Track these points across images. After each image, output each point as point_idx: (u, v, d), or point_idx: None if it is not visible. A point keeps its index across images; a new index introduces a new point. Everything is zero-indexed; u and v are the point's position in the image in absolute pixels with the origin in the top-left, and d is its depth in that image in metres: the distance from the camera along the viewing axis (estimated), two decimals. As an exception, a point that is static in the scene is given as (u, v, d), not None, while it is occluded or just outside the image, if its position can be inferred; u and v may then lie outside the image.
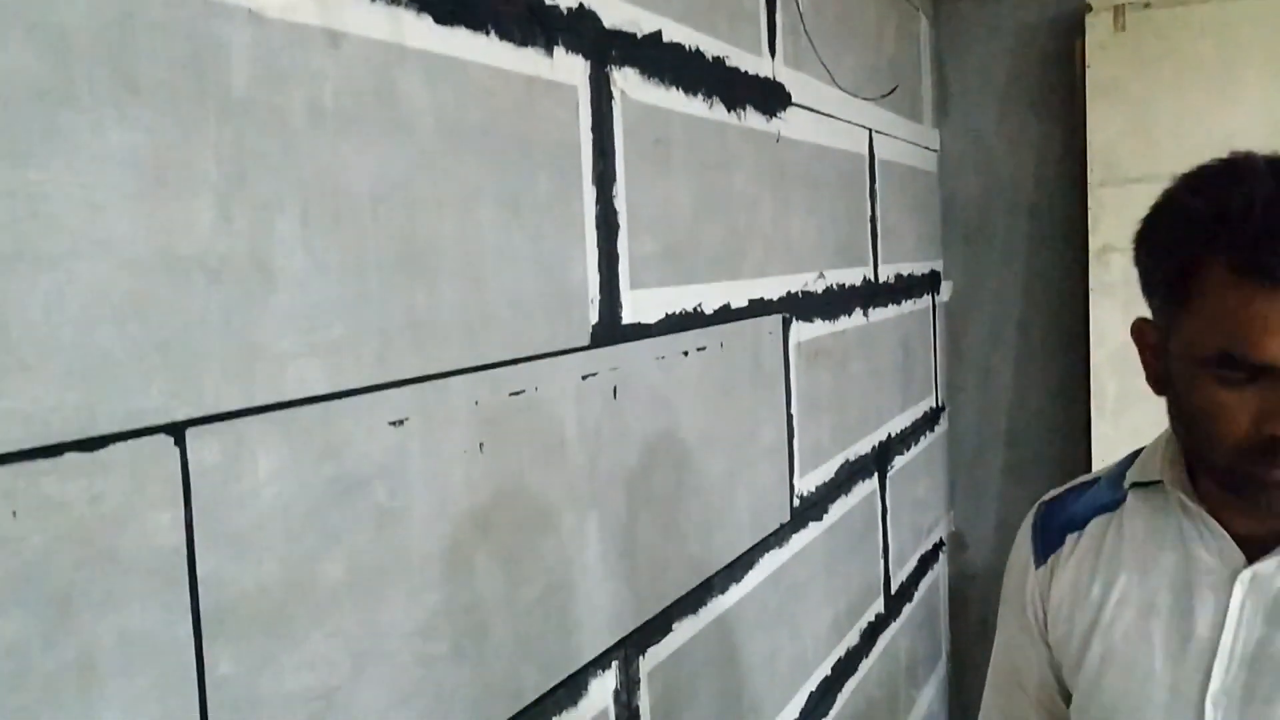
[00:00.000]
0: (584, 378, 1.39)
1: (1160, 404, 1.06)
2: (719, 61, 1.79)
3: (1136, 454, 1.15)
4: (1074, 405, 3.22)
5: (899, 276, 2.89)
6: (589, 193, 1.41)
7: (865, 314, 2.56)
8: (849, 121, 2.45)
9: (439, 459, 1.13)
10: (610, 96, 1.46)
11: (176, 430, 0.84)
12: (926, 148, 3.28)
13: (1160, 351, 1.03)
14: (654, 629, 1.56)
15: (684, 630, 1.65)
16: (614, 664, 1.45)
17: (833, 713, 2.32)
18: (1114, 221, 3.04)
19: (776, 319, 2.03)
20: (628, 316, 1.49)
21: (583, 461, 1.38)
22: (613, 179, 1.46)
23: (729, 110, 1.82)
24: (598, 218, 1.42)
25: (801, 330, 2.15)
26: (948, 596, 3.49)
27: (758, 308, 1.93)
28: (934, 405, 3.31)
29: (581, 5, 1.39)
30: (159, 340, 0.83)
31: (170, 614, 0.83)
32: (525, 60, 1.28)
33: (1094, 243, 3.07)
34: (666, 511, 1.60)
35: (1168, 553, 1.08)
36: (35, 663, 0.74)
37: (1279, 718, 0.99)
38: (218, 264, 0.88)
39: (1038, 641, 1.18)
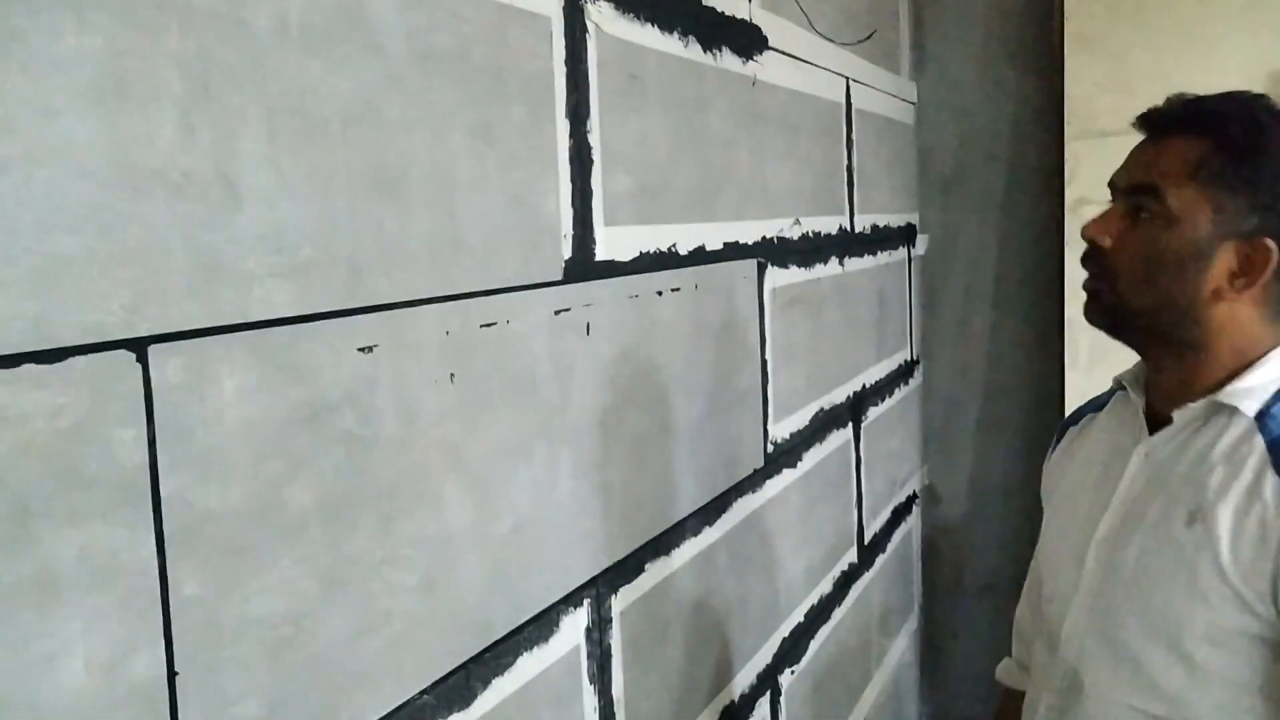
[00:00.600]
0: (556, 313, 1.38)
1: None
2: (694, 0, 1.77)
3: None
4: (1048, 358, 3.23)
5: (875, 227, 2.88)
6: (563, 126, 1.39)
7: (841, 263, 2.55)
8: (826, 69, 2.43)
9: (409, 388, 1.11)
10: (584, 29, 1.44)
11: (139, 346, 0.82)
12: (904, 99, 3.27)
13: None
14: (626, 569, 1.56)
15: (656, 571, 1.65)
16: (586, 602, 1.45)
17: (805, 659, 2.33)
18: (1090, 174, 3.03)
19: (752, 264, 2.01)
20: (601, 253, 1.48)
21: (555, 397, 1.37)
22: (587, 113, 1.44)
23: (705, 50, 1.80)
24: (571, 151, 1.40)
25: (777, 276, 2.14)
26: (920, 549, 3.51)
27: (733, 251, 1.92)
28: (909, 358, 3.31)
29: (555, -66, 1.37)
30: (120, 253, 0.81)
31: (133, 532, 0.82)
32: (498, -13, 1.26)
33: (1070, 195, 3.06)
34: (639, 451, 1.59)
35: (1110, 434, 1.34)
36: (-7, 576, 0.73)
37: (1128, 556, 1.22)
38: (180, 178, 0.86)
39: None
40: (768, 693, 2.13)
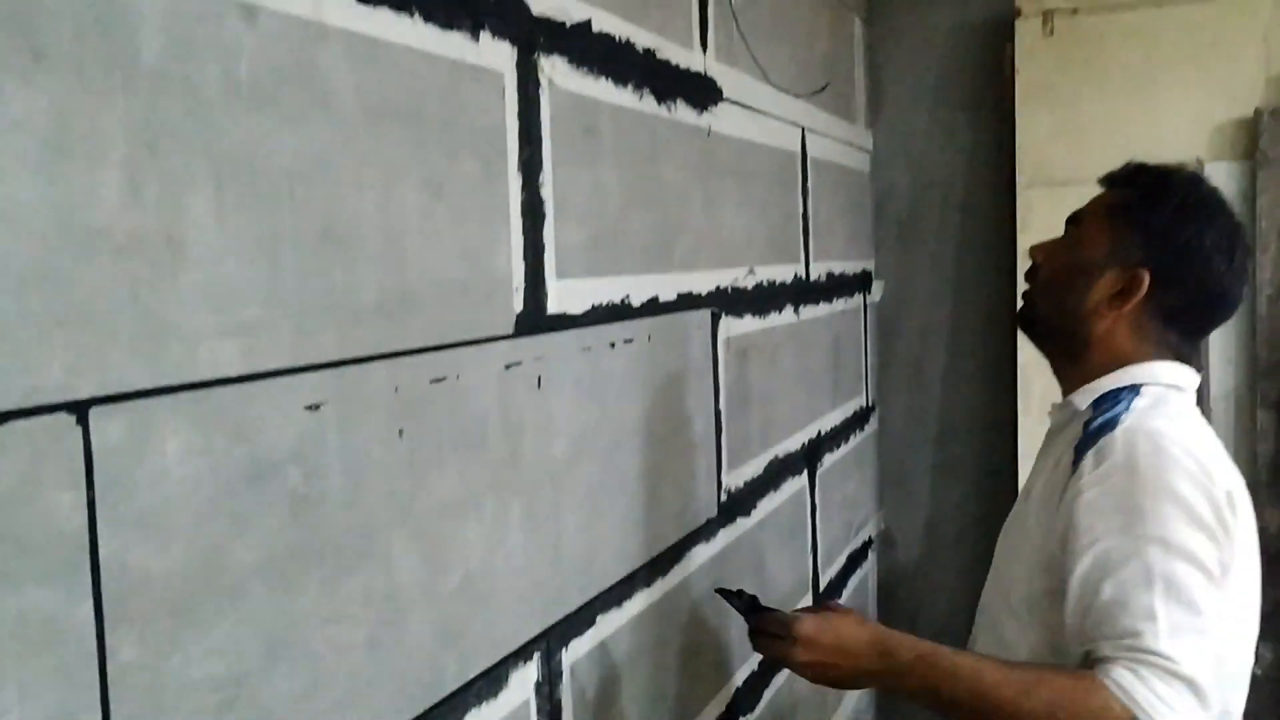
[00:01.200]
0: (507, 367, 1.38)
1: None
2: (650, 53, 1.78)
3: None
4: (1002, 403, 3.26)
5: (830, 275, 2.90)
6: (515, 179, 1.39)
7: (796, 311, 2.57)
8: (781, 119, 2.46)
9: (357, 445, 1.11)
10: (538, 84, 1.45)
11: (79, 408, 0.82)
12: (859, 147, 3.31)
13: None
14: (577, 621, 1.55)
15: (608, 624, 1.64)
16: (536, 655, 1.44)
17: (760, 707, 2.33)
18: (1042, 222, 3.08)
19: (706, 314, 2.02)
20: (553, 306, 1.48)
21: (505, 451, 1.37)
22: (539, 166, 1.45)
23: (659, 102, 1.82)
24: (523, 205, 1.41)
25: (731, 326, 2.15)
26: (877, 594, 3.52)
27: (687, 302, 1.93)
28: (864, 404, 3.33)
29: (509, -10, 1.38)
30: (62, 315, 0.80)
31: (70, 597, 0.81)
32: (451, 44, 1.27)
33: (1023, 243, 3.11)
34: (591, 503, 1.59)
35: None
36: (-76, 645, 0.72)
37: (1012, 535, 1.50)
38: (125, 238, 0.85)
39: None
40: (722, 743, 2.12)
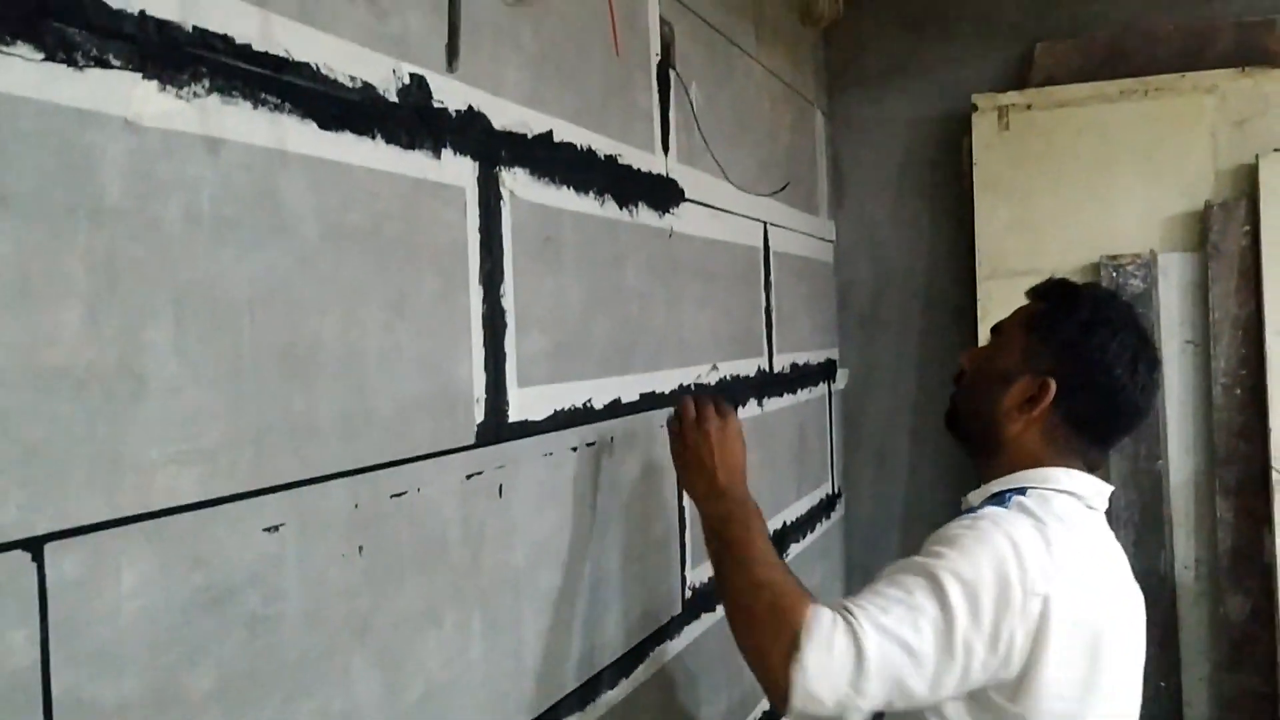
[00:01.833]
0: (468, 477, 1.39)
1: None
2: (611, 160, 1.82)
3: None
4: (964, 489, 3.27)
5: (794, 366, 2.93)
6: (476, 292, 1.42)
7: (760, 404, 2.60)
8: (743, 215, 2.50)
9: (316, 564, 1.12)
10: (499, 196, 1.48)
11: (34, 545, 0.82)
12: (822, 238, 3.36)
13: None
14: (540, 728, 1.55)
15: (571, 728, 1.64)
16: (497, 766, 1.44)
17: (726, 806, 2.31)
18: (1002, 312, 3.07)
19: (669, 412, 2.04)
20: (515, 414, 1.50)
21: (466, 560, 1.38)
22: (501, 278, 1.47)
23: (621, 208, 1.85)
24: (485, 317, 1.43)
25: (694, 422, 2.16)
26: (845, 682, 3.49)
27: (649, 402, 1.95)
28: (830, 492, 3.34)
29: (471, 107, 1.41)
30: (19, 453, 0.81)
31: (22, 735, 0.81)
32: (412, 163, 1.29)
33: (983, 331, 3.15)
34: (553, 609, 1.59)
35: None
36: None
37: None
38: (84, 373, 0.87)
39: None
40: (688, 844, 2.10)
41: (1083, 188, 3.14)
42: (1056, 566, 1.38)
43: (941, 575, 1.35)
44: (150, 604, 0.92)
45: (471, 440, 1.40)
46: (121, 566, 0.90)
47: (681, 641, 2.08)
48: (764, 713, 2.59)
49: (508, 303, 1.49)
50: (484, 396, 1.43)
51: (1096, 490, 1.53)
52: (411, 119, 1.29)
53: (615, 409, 1.81)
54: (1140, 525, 3.04)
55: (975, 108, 3.23)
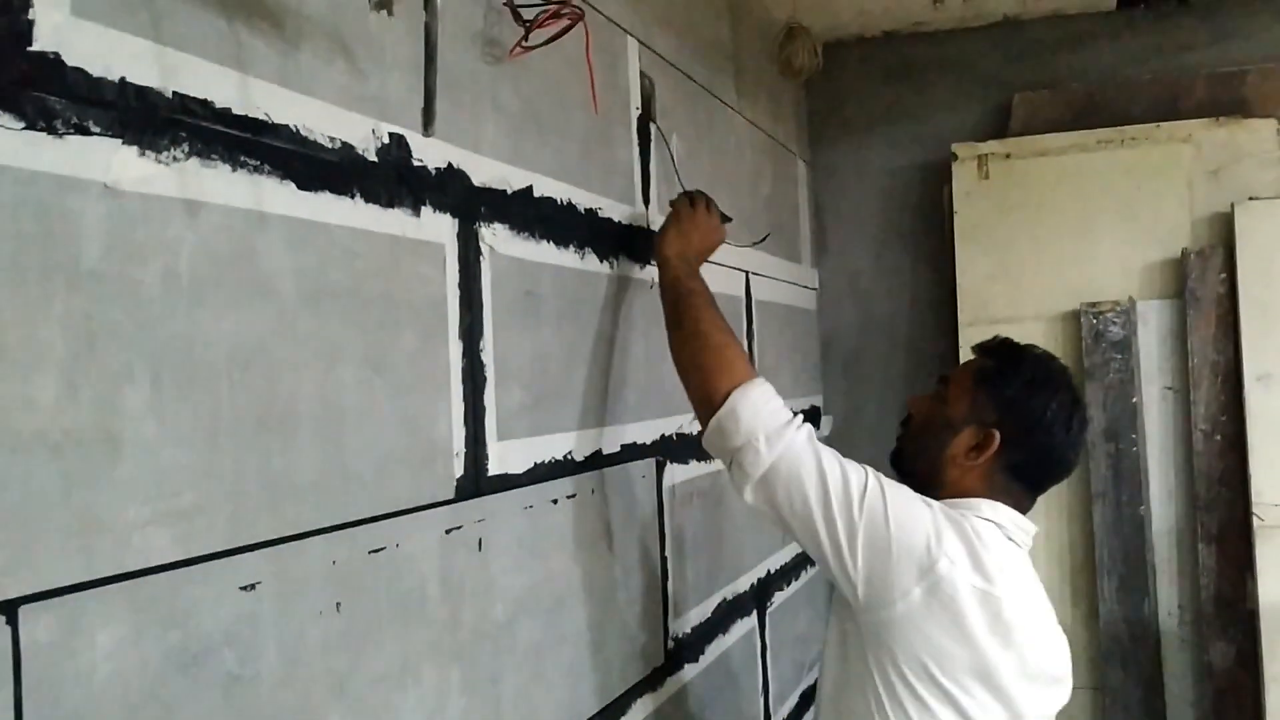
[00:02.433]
0: (448, 531, 1.39)
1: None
2: (591, 213, 1.84)
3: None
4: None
5: (777, 413, 2.94)
6: (455, 347, 1.43)
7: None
8: (725, 265, 2.52)
9: (293, 622, 1.12)
10: (479, 252, 1.49)
11: (9, 608, 0.83)
12: (805, 286, 3.38)
13: None
14: (520, 784, 1.54)
15: (552, 783, 1.63)
16: (477, 823, 1.43)
17: None
18: (984, 359, 3.16)
19: (650, 462, 2.05)
20: (494, 468, 1.51)
21: (445, 615, 1.38)
22: (480, 333, 1.48)
23: (601, 260, 1.87)
24: (464, 371, 1.44)
25: (676, 473, 2.18)
26: (832, 730, 3.48)
27: (630, 452, 1.96)
28: (815, 538, 3.34)
29: (450, 165, 1.43)
30: (-6, 517, 0.82)
31: (-7, 800, 0.81)
32: (391, 220, 1.31)
33: (964, 380, 3.17)
34: (534, 661, 1.59)
35: None
36: None
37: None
38: (60, 437, 0.87)
39: None
40: None
41: (1062, 235, 3.17)
42: (965, 548, 1.54)
43: (878, 480, 1.59)
44: (125, 665, 0.92)
45: (451, 494, 1.40)
46: (96, 628, 0.90)
47: (665, 692, 2.08)
48: (749, 763, 2.58)
49: (487, 357, 1.50)
50: (463, 450, 1.43)
51: (1018, 525, 1.66)
52: (391, 178, 1.31)
53: (596, 460, 1.82)
54: (1124, 572, 3.05)
55: (955, 157, 3.27)
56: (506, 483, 1.54)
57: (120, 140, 0.94)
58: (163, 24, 0.99)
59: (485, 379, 1.49)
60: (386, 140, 1.30)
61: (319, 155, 1.19)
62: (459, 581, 1.41)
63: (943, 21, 3.39)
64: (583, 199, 1.81)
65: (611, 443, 1.88)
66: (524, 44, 1.53)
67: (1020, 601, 1.57)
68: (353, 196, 1.24)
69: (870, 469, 1.61)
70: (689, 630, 2.22)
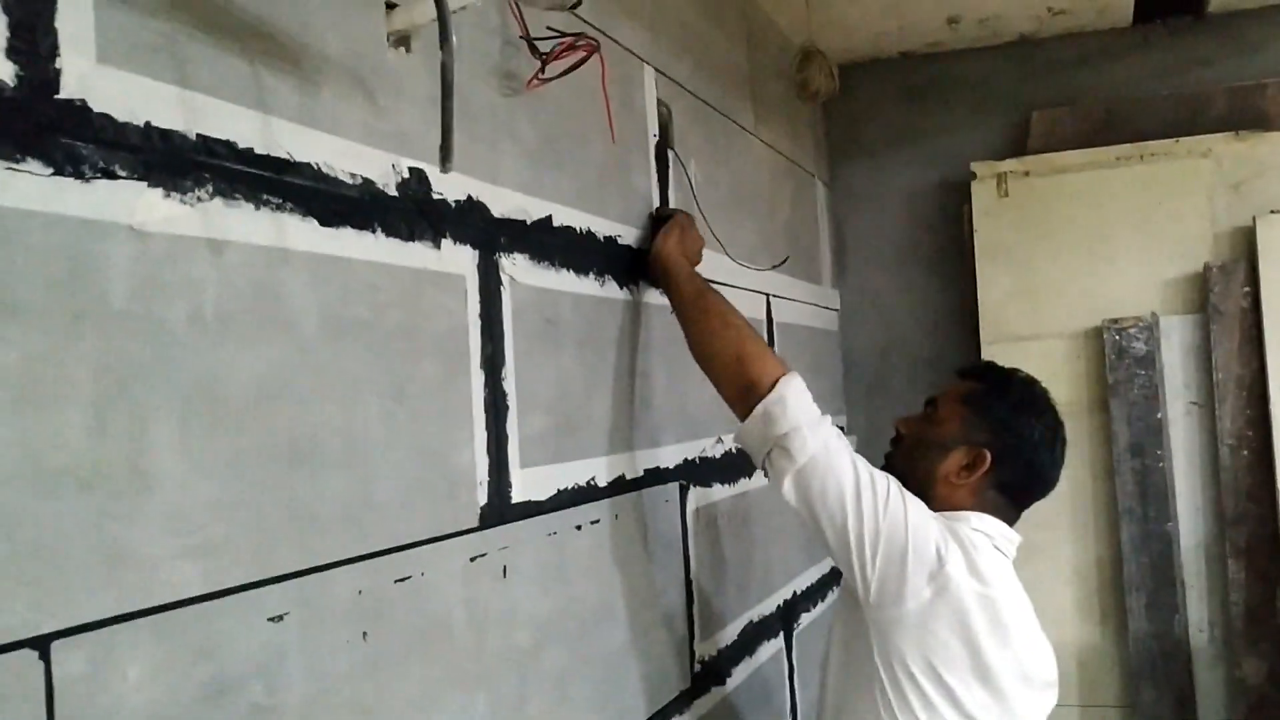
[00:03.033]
0: (472, 559, 1.41)
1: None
2: (610, 240, 1.86)
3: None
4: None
5: (800, 435, 2.94)
6: (477, 377, 1.45)
7: (766, 475, 2.60)
8: (745, 288, 2.53)
9: (320, 651, 1.13)
10: (499, 282, 1.51)
11: (41, 643, 0.84)
12: (826, 307, 3.39)
13: None
14: (547, 809, 1.55)
15: (580, 808, 1.64)
16: None
17: None
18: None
19: (674, 486, 2.06)
20: (518, 495, 1.52)
21: (470, 643, 1.39)
22: (502, 362, 1.50)
23: (621, 287, 1.89)
24: (486, 401, 1.46)
25: (700, 496, 2.19)
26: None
27: (654, 477, 1.97)
28: (841, 559, 3.33)
29: (470, 197, 1.45)
30: (25, 553, 0.84)
31: (29, 832, 0.83)
32: (412, 254, 1.33)
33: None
34: (558, 689, 1.60)
35: None
36: None
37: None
38: (89, 473, 0.89)
39: None
40: None
41: (1083, 252, 3.17)
42: (964, 554, 1.60)
43: (897, 484, 1.65)
44: (155, 697, 0.94)
45: (475, 523, 1.42)
46: (127, 661, 0.92)
47: (692, 716, 2.08)
48: (778, 786, 2.57)
49: (509, 385, 1.51)
50: (487, 479, 1.45)
51: (1005, 536, 1.73)
52: (411, 211, 1.33)
53: (620, 486, 1.83)
54: (1153, 588, 3.04)
55: (974, 175, 3.28)
56: (530, 510, 1.55)
57: (145, 183, 0.96)
58: (186, 68, 1.01)
59: (507, 407, 1.51)
60: (406, 175, 1.32)
61: (340, 191, 1.21)
62: (484, 609, 1.42)
63: (958, 41, 3.40)
64: (601, 227, 1.83)
65: (635, 468, 1.89)
66: (540, 76, 1.56)
67: (1014, 606, 1.65)
68: (374, 231, 1.26)
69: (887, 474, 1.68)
70: (715, 653, 2.22)
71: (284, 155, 1.13)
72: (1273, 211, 3.02)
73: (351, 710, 1.17)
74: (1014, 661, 1.62)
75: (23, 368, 0.85)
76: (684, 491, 2.11)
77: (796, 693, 2.76)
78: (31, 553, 0.84)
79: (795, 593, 2.82)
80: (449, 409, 1.39)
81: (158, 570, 0.95)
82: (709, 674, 2.18)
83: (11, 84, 0.85)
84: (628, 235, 1.93)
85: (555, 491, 1.62)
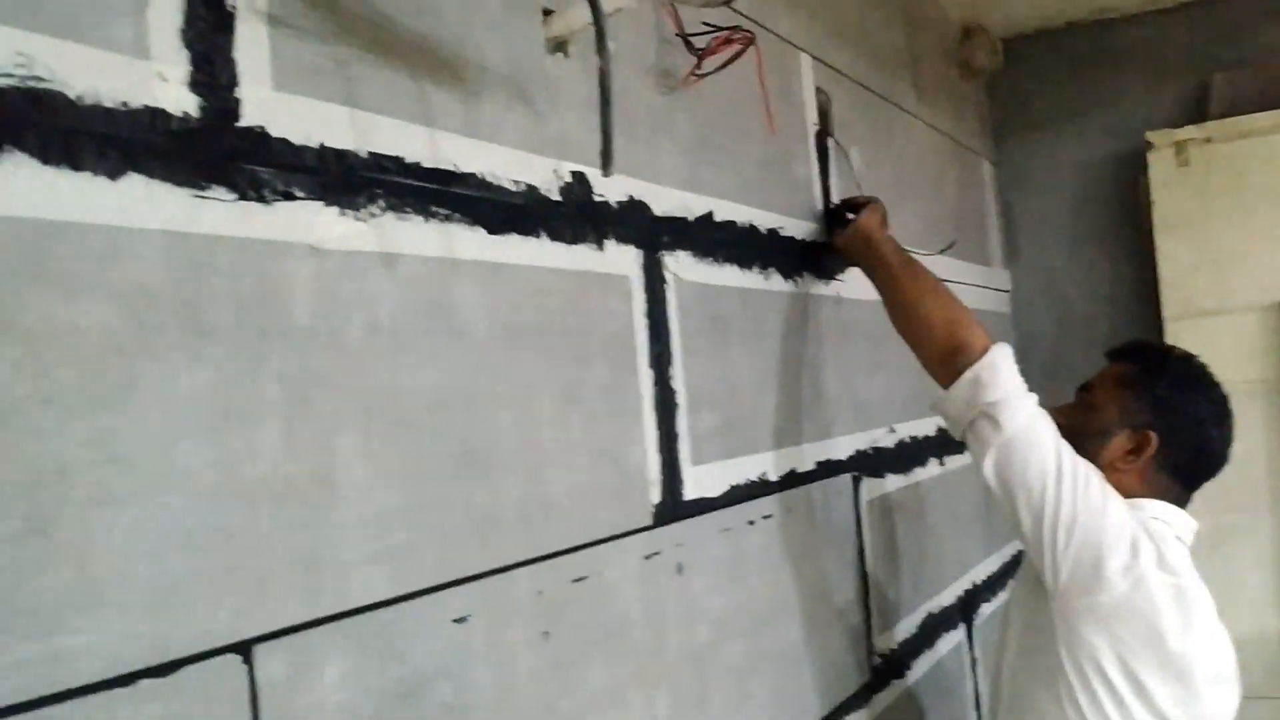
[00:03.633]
0: (647, 557, 1.42)
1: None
2: (773, 233, 1.85)
3: None
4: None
5: (975, 421, 2.87)
6: (646, 376, 1.45)
7: (941, 463, 2.56)
8: (912, 274, 2.48)
9: (502, 652, 1.16)
10: (663, 281, 1.52)
11: (244, 648, 0.88)
12: (997, 289, 3.30)
13: None
14: (731, 805, 1.55)
15: (763, 804, 1.64)
16: (690, 845, 1.44)
17: None
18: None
19: (846, 478, 2.04)
20: (690, 492, 1.52)
21: (649, 641, 1.40)
22: (669, 360, 1.51)
23: (786, 279, 1.87)
24: (656, 399, 1.47)
25: (873, 487, 2.15)
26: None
27: (826, 469, 1.95)
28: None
29: (631, 197, 1.46)
30: (227, 564, 0.88)
31: (239, 828, 0.87)
32: (577, 256, 1.34)
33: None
34: (738, 685, 1.60)
35: None
36: None
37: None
38: (282, 485, 0.93)
39: None
40: None
41: (1272, 220, 3.00)
42: (1154, 546, 1.56)
43: (1095, 468, 1.60)
44: (351, 698, 0.97)
45: (649, 521, 1.43)
46: (324, 664, 0.95)
47: (871, 710, 2.05)
48: (964, 781, 2.52)
49: (677, 383, 1.52)
50: (659, 477, 1.46)
51: (1184, 523, 1.68)
52: (574, 215, 1.35)
53: (792, 479, 1.82)
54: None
55: (1150, 145, 3.14)
56: (703, 506, 1.56)
57: (322, 202, 1.00)
58: (355, 88, 1.05)
59: (677, 405, 1.51)
60: (569, 179, 1.34)
61: (505, 199, 1.23)
62: (661, 606, 1.43)
63: (1129, 6, 3.26)
64: (763, 219, 1.82)
65: (806, 461, 1.88)
66: (697, 72, 1.55)
67: (1200, 598, 1.60)
68: (539, 236, 1.28)
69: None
70: (895, 646, 2.19)
71: (450, 167, 1.16)
72: None
73: (536, 709, 1.20)
74: (1204, 656, 1.57)
75: (217, 386, 0.89)
76: (857, 483, 2.09)
77: (979, 684, 2.70)
78: (232, 562, 0.88)
79: (974, 583, 2.75)
80: (619, 409, 1.40)
81: (348, 575, 0.99)
82: (888, 667, 2.15)
83: (196, 115, 0.89)
84: (790, 227, 1.91)
85: (727, 487, 1.62)
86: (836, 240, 1.95)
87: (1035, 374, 3.40)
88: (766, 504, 1.74)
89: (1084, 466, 1.57)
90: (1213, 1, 3.24)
